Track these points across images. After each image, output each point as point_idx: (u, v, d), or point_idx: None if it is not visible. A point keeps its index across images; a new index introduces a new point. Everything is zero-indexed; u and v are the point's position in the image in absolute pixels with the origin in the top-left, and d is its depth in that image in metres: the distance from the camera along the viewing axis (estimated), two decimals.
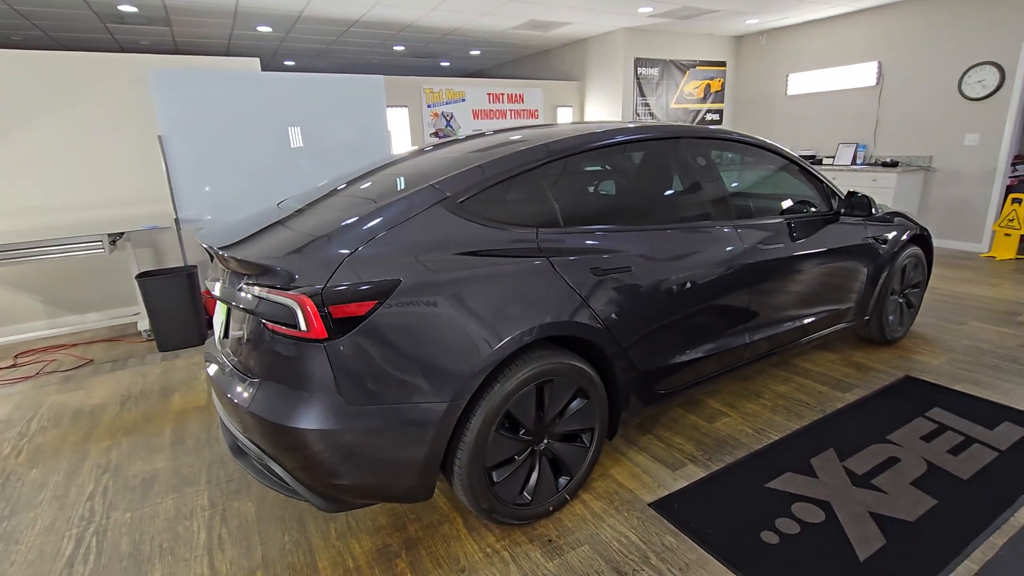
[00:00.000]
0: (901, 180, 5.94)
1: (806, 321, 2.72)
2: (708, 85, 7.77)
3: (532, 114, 7.35)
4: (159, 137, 4.02)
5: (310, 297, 1.50)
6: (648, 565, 1.73)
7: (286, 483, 1.69)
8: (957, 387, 2.82)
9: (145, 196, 4.50)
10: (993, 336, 3.50)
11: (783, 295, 2.55)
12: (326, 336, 1.51)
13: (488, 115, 7.03)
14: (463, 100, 6.82)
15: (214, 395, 2.06)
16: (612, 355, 1.97)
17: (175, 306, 3.76)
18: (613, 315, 1.95)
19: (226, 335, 1.89)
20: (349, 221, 1.70)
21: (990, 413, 2.55)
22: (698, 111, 7.80)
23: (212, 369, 1.92)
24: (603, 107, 7.39)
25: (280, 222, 1.90)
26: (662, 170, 2.35)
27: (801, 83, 7.16)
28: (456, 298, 1.65)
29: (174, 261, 4.72)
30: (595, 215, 2.09)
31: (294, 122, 4.50)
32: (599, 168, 2.24)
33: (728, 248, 2.31)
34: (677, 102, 7.55)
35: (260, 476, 1.80)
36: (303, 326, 1.51)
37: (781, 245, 2.50)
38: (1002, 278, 4.85)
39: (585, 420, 1.98)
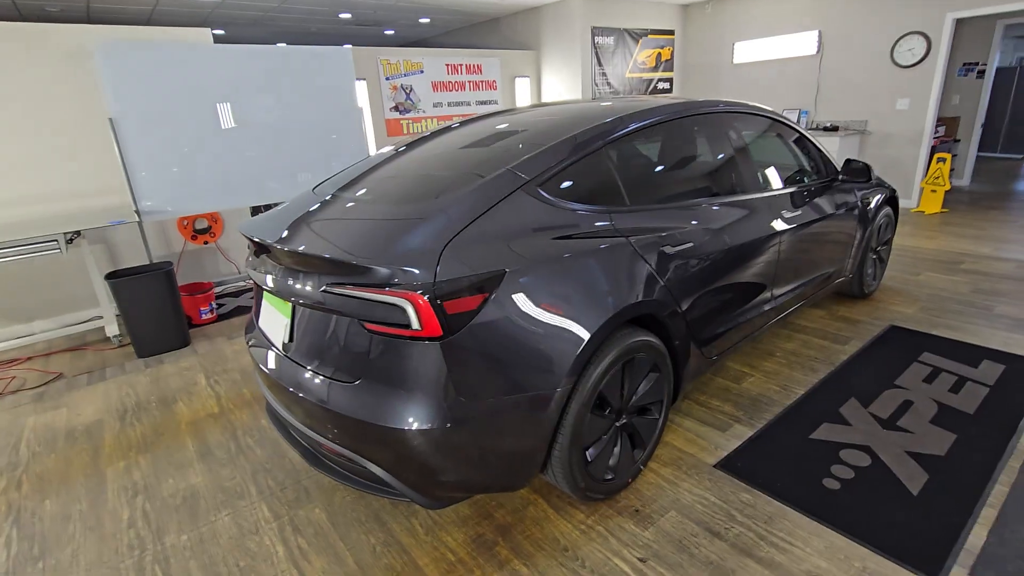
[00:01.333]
0: (842, 143, 6.40)
1: (816, 279, 2.94)
2: (659, 54, 7.91)
3: (490, 85, 7.19)
4: (110, 120, 3.59)
5: (423, 294, 1.44)
6: (735, 522, 1.85)
7: (388, 486, 1.64)
8: (936, 332, 3.16)
9: (96, 187, 4.03)
10: (947, 284, 3.93)
11: (801, 257, 2.73)
12: (441, 334, 1.45)
13: (447, 87, 6.80)
14: (421, 72, 6.54)
15: (272, 403, 1.94)
16: (678, 328, 2.04)
17: (153, 308, 3.44)
18: (680, 290, 2.02)
19: (291, 338, 1.77)
20: (436, 211, 1.63)
21: (970, 353, 2.88)
22: (651, 80, 7.95)
23: (271, 374, 1.80)
24: (561, 77, 7.35)
25: (347, 211, 1.79)
26: (708, 144, 2.41)
27: (747, 51, 7.46)
28: (557, 283, 1.64)
29: (132, 258, 4.29)
30: (656, 191, 2.12)
31: (258, 99, 4.16)
32: (657, 144, 2.26)
33: (762, 217, 2.44)
34: (632, 71, 7.65)
35: (350, 481, 1.74)
36: (416, 325, 1.44)
37: (800, 212, 2.66)
38: (935, 231, 5.41)
39: (657, 393, 2.05)
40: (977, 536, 1.72)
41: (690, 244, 2.06)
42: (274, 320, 1.88)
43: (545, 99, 7.70)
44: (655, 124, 2.16)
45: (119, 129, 3.64)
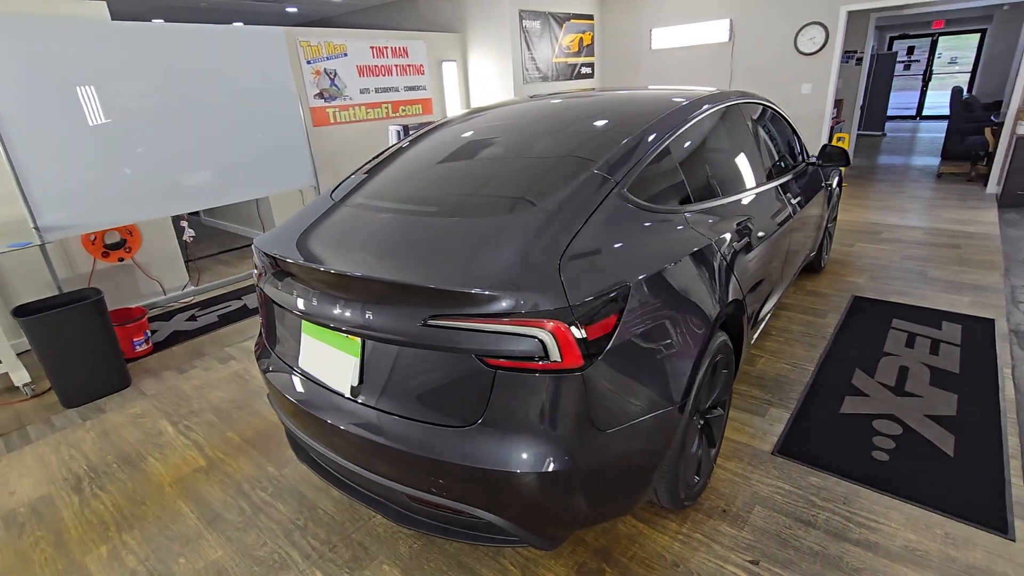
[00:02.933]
0: None
1: (806, 257, 3.14)
2: (581, 39, 7.97)
3: (418, 70, 6.79)
4: None
5: (562, 321, 1.26)
6: (817, 507, 1.90)
7: (503, 533, 1.47)
8: (892, 299, 3.51)
9: None
10: (879, 253, 4.39)
11: (802, 237, 2.89)
12: (582, 364, 1.30)
13: (374, 71, 6.31)
14: (345, 55, 5.99)
15: (321, 452, 1.65)
16: (742, 323, 2.04)
17: (82, 346, 2.82)
18: (744, 284, 2.01)
19: (361, 380, 1.51)
20: (535, 222, 1.45)
21: (930, 317, 3.24)
22: (575, 65, 7.99)
23: (326, 423, 1.53)
24: (490, 62, 7.14)
25: (417, 225, 1.55)
26: (741, 135, 2.42)
27: (664, 38, 7.74)
28: (669, 294, 1.54)
29: (26, 286, 3.50)
30: (714, 186, 2.08)
31: (177, 87, 3.56)
32: (709, 137, 2.22)
33: (784, 202, 2.53)
34: (558, 56, 7.63)
35: (449, 534, 1.53)
36: (556, 356, 1.27)
37: (801, 195, 2.80)
38: (845, 204, 6.04)
39: (727, 390, 2.04)
40: (1018, 488, 1.92)
41: (747, 239, 2.06)
42: (327, 359, 1.59)
43: (474, 86, 7.46)
44: (707, 116, 2.12)
45: (4, 127, 2.90)
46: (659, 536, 1.83)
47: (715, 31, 7.26)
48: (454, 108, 7.45)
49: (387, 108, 6.52)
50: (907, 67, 13.96)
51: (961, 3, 7.58)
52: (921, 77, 13.42)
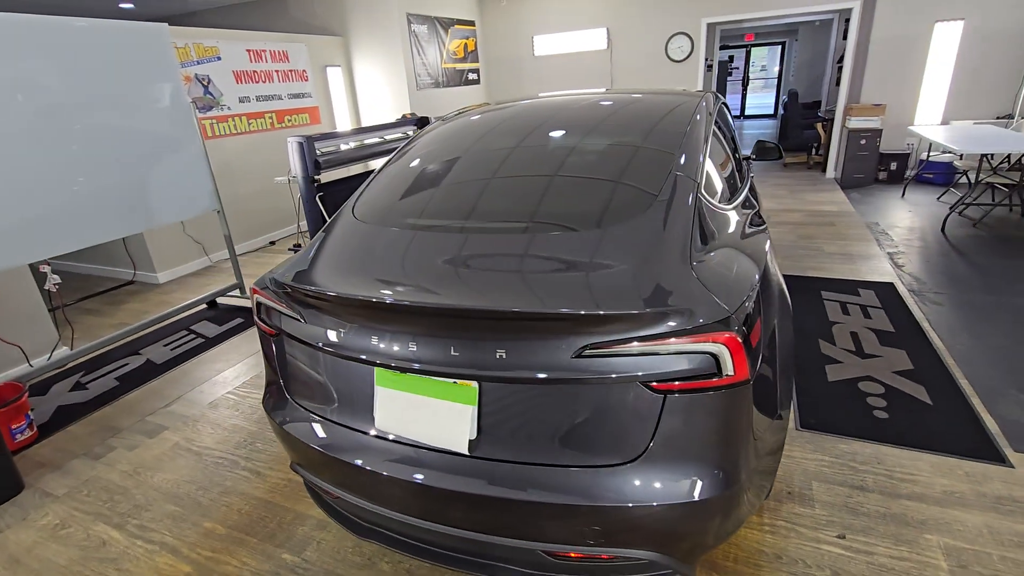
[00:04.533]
0: None
1: None
2: (466, 44, 7.90)
3: (301, 76, 6.17)
4: None
5: (733, 331, 1.19)
6: (860, 472, 2.06)
7: (653, 570, 1.35)
8: (810, 274, 3.99)
9: None
10: (778, 235, 4.97)
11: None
12: (749, 376, 1.23)
13: (253, 78, 5.58)
14: (218, 59, 5.21)
15: (433, 526, 1.38)
16: None
17: None
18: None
19: (479, 431, 1.28)
20: (658, 227, 1.37)
21: (847, 287, 3.73)
22: (463, 71, 7.90)
23: (431, 491, 1.29)
24: (379, 67, 6.75)
25: (509, 241, 1.38)
26: (728, 131, 2.51)
27: (546, 45, 7.99)
28: (770, 290, 1.54)
29: None
30: (735, 181, 2.14)
31: (42, 92, 2.82)
32: (722, 135, 2.26)
33: (755, 193, 2.71)
34: (446, 61, 7.47)
35: None
36: (730, 370, 1.19)
37: (752, 188, 3.03)
38: None
39: None
40: (990, 422, 2.27)
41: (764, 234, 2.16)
42: (424, 412, 1.33)
43: (362, 93, 6.99)
44: (718, 114, 2.17)
45: None
46: (748, 533, 1.83)
47: (594, 39, 7.67)
48: (342, 116, 6.93)
49: (271, 118, 5.84)
50: (729, 74, 16.15)
51: (788, 16, 8.94)
52: (740, 82, 15.63)
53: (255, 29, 7.22)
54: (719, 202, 1.76)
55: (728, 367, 1.19)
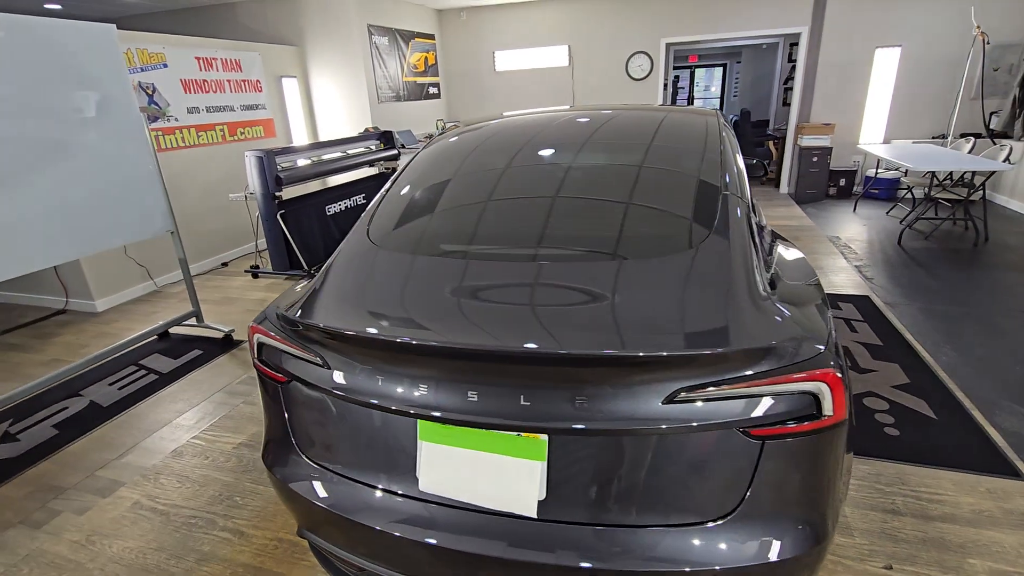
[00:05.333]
0: None
1: None
2: (426, 58, 7.74)
3: (255, 86, 5.80)
4: None
5: (831, 367, 1.08)
6: (887, 494, 2.02)
7: None
8: None
9: None
10: None
11: None
12: (846, 414, 1.13)
13: (203, 87, 5.18)
14: (164, 66, 4.79)
15: None
16: None
17: None
18: None
19: (548, 491, 1.12)
20: (725, 252, 1.26)
21: (829, 299, 3.80)
22: (424, 85, 7.72)
23: (490, 562, 1.12)
24: (339, 79, 6.47)
25: (572, 275, 1.22)
26: None
27: (507, 60, 7.95)
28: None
29: None
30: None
31: None
32: None
33: None
34: (407, 74, 7.28)
35: None
36: (830, 409, 1.08)
37: None
38: None
39: None
40: (995, 434, 2.31)
41: None
42: (482, 471, 1.15)
43: (320, 105, 6.68)
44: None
45: None
46: None
47: (556, 56, 7.70)
48: (299, 129, 6.59)
49: (223, 131, 5.45)
50: (676, 93, 16.79)
51: (739, 39, 9.33)
52: (687, 100, 16.25)
53: (193, 35, 6.77)
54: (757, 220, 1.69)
55: (828, 406, 1.08)
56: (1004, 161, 4.97)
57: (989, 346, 3.07)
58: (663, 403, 1.04)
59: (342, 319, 1.23)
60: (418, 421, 1.17)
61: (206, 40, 5.28)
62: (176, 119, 4.96)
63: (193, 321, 3.77)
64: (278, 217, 4.55)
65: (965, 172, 5.25)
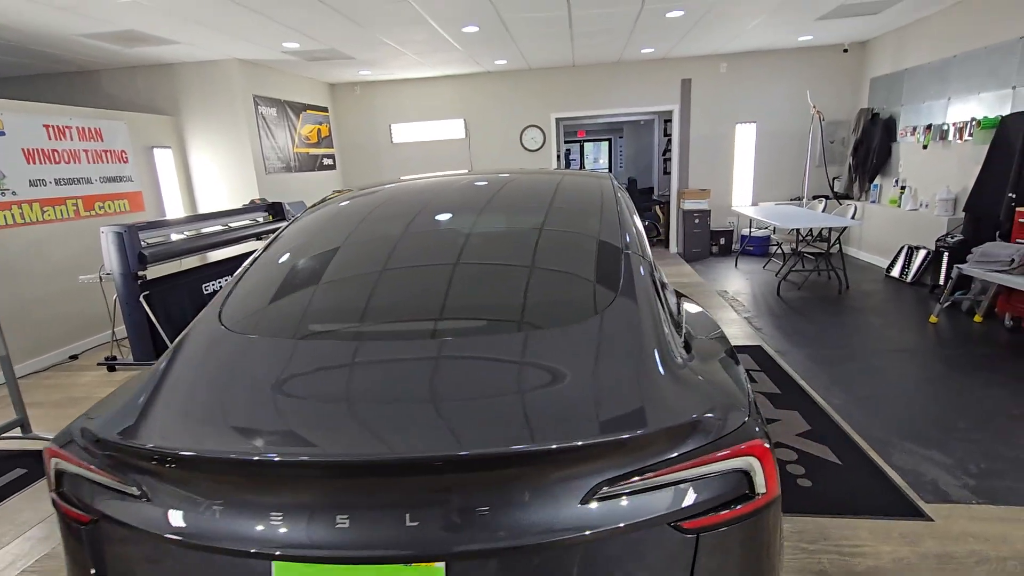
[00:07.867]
0: None
1: None
2: (319, 130, 7.57)
3: (119, 157, 5.23)
4: None
5: (759, 437, 0.97)
6: (814, 553, 1.96)
7: None
8: None
9: None
10: None
11: None
12: (778, 489, 1.01)
13: (51, 157, 4.56)
14: (2, 134, 4.18)
15: None
16: None
17: None
18: None
19: None
20: (636, 316, 1.15)
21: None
22: (317, 156, 7.50)
23: None
24: (222, 149, 6.06)
25: (470, 352, 1.05)
26: None
27: (405, 132, 8.00)
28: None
29: None
30: None
31: None
32: None
33: None
34: (298, 146, 7.03)
35: None
36: (762, 486, 0.97)
37: None
38: None
39: None
40: (895, 476, 2.38)
41: None
42: None
43: (200, 177, 6.19)
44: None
45: None
46: None
47: (453, 128, 7.88)
48: (174, 203, 6.03)
49: (76, 206, 4.82)
50: (568, 164, 17.95)
51: (619, 116, 10.17)
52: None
53: (49, 100, 6.11)
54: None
55: (760, 483, 0.96)
56: (852, 218, 5.66)
57: (870, 385, 3.28)
58: (581, 503, 0.86)
59: (164, 432, 0.94)
60: (272, 563, 0.89)
61: (56, 107, 4.74)
62: (14, 193, 4.29)
63: (18, 431, 3.05)
64: (141, 299, 3.98)
65: (823, 228, 5.90)
